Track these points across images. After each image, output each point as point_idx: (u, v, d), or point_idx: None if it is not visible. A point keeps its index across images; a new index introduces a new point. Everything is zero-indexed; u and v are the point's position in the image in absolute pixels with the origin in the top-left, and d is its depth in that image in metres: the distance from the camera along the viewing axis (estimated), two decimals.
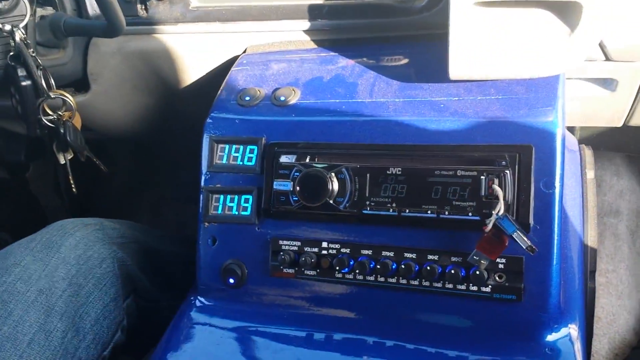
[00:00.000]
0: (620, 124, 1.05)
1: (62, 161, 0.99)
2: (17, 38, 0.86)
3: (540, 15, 0.72)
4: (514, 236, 0.69)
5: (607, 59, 0.89)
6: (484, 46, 0.73)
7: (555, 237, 0.72)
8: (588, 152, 1.02)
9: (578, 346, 0.73)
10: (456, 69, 0.75)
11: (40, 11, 0.93)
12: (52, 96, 0.92)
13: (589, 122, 1.06)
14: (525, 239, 0.69)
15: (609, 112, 1.03)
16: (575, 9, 0.69)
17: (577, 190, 0.93)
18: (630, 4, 0.80)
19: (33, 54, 0.89)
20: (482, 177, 0.72)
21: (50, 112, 0.95)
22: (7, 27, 0.86)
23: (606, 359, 1.31)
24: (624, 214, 1.55)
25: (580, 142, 1.09)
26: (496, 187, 0.71)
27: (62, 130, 0.95)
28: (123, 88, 1.06)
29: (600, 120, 1.05)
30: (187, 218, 0.94)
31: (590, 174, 0.98)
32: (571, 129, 1.30)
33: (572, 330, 0.74)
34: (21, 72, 0.89)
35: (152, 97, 1.10)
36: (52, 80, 0.92)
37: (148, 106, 1.12)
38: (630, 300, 1.40)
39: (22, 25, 0.87)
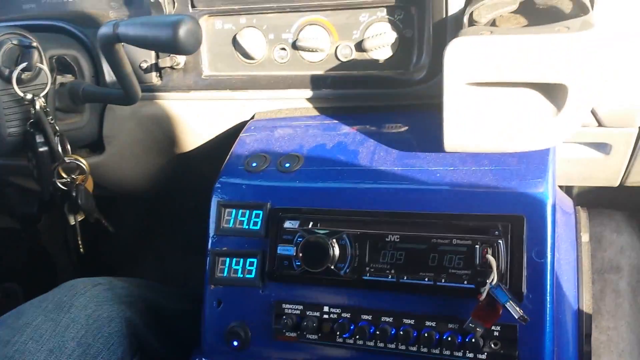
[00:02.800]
0: (616, 184, 1.08)
1: (72, 222, 1.02)
2: (37, 106, 0.91)
3: (529, 94, 0.76)
4: (506, 306, 0.71)
5: (600, 125, 0.92)
6: (476, 121, 0.77)
7: (548, 305, 0.74)
8: (583, 215, 1.05)
9: None
10: (450, 142, 0.79)
11: (60, 78, 0.98)
12: (67, 161, 0.96)
13: (586, 182, 1.09)
14: (518, 309, 0.71)
15: (605, 174, 1.05)
16: (561, 89, 0.74)
17: (572, 253, 0.95)
18: (614, 83, 0.84)
19: (52, 121, 0.93)
20: (476, 246, 0.75)
21: (64, 175, 0.98)
22: (29, 96, 0.90)
23: None
24: (625, 270, 1.55)
25: (578, 199, 1.11)
26: (490, 257, 0.74)
27: (74, 194, 0.98)
28: (136, 150, 1.11)
29: (597, 181, 1.08)
30: (191, 269, 0.97)
31: (585, 237, 1.00)
32: (569, 188, 1.33)
33: None
34: (39, 139, 0.93)
35: (163, 158, 1.14)
36: (68, 145, 0.96)
37: (159, 167, 1.17)
38: (632, 358, 1.39)
39: (42, 94, 0.92)
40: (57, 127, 0.94)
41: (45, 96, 0.92)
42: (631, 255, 1.59)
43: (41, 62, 0.91)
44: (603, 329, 1.44)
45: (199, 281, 0.89)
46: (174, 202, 1.61)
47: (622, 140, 0.95)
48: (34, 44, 0.89)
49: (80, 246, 1.03)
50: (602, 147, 0.99)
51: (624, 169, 1.03)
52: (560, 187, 1.14)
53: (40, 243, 1.61)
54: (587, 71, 0.73)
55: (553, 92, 0.76)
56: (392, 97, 0.96)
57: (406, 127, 0.94)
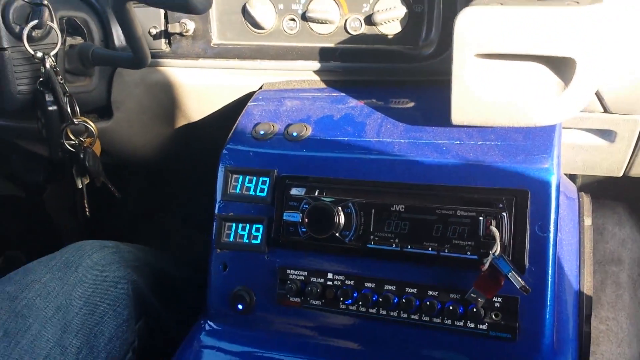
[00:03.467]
0: (620, 174, 1.08)
1: (80, 185, 1.03)
2: (48, 65, 0.91)
3: (537, 68, 0.76)
4: (508, 276, 0.72)
5: (606, 111, 0.93)
6: (484, 95, 0.77)
7: (549, 279, 0.75)
8: (587, 200, 1.05)
9: None
10: (458, 115, 0.79)
11: (70, 40, 0.98)
12: (76, 122, 0.97)
13: (589, 171, 1.09)
14: (520, 279, 0.72)
15: (609, 162, 1.05)
16: (569, 63, 0.74)
17: (575, 236, 0.96)
18: (623, 58, 0.84)
19: (61, 81, 0.94)
20: (480, 217, 0.76)
21: (72, 137, 0.99)
22: (39, 54, 0.90)
23: None
24: (626, 262, 1.56)
25: (581, 190, 1.12)
26: (493, 228, 0.74)
27: (82, 156, 0.99)
28: (144, 117, 1.12)
29: (600, 170, 1.08)
30: (197, 243, 0.98)
31: (587, 221, 1.01)
32: (572, 177, 1.34)
33: None
34: (49, 98, 0.93)
35: (171, 126, 1.15)
36: (77, 107, 0.97)
37: (166, 135, 1.17)
38: (631, 348, 1.40)
39: (52, 53, 0.92)
40: (66, 88, 0.94)
41: (55, 56, 0.93)
42: (632, 248, 1.59)
43: (52, 21, 0.91)
44: (603, 319, 1.45)
45: (203, 251, 0.90)
46: (181, 173, 1.61)
47: (627, 127, 0.96)
48: (45, 2, 0.89)
49: (87, 209, 1.03)
50: (607, 134, 0.99)
51: (628, 158, 1.03)
52: (564, 175, 1.14)
53: (45, 212, 1.62)
54: (596, 46, 0.73)
55: (561, 67, 0.76)
56: (400, 72, 0.96)
57: (413, 103, 0.95)
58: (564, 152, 1.03)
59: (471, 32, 0.74)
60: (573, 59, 0.73)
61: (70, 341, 0.81)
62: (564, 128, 0.96)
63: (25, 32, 0.87)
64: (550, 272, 0.75)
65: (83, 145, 1.00)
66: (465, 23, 0.74)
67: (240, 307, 0.85)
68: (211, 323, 0.88)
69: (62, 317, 0.83)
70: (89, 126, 1.00)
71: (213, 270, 0.88)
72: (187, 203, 1.67)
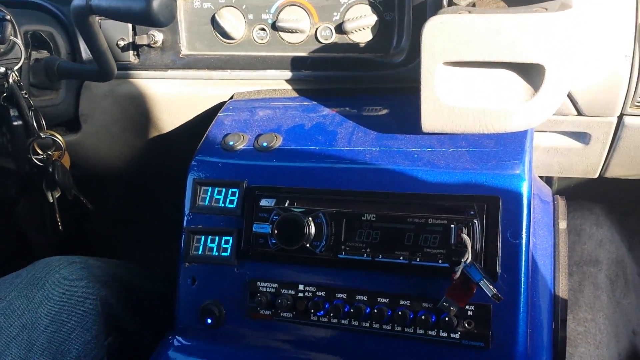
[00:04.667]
0: (595, 176, 1.08)
1: (50, 199, 1.01)
2: (11, 80, 0.90)
3: (506, 75, 0.76)
4: (480, 284, 0.71)
5: (579, 113, 0.93)
6: (454, 102, 0.77)
7: (522, 286, 0.74)
8: (562, 203, 1.05)
9: None
10: (428, 122, 0.79)
11: (35, 54, 0.97)
12: (43, 136, 0.95)
13: (565, 173, 1.10)
14: (491, 287, 0.71)
15: (584, 164, 1.06)
16: (538, 69, 0.74)
17: (550, 240, 0.95)
18: (593, 63, 0.84)
19: (25, 96, 0.92)
20: (452, 225, 0.75)
21: (40, 152, 0.97)
22: (1, 70, 0.89)
23: None
24: (604, 263, 1.57)
25: (558, 192, 1.12)
26: (465, 236, 0.74)
27: (50, 170, 0.97)
28: (113, 129, 1.10)
29: (576, 172, 1.08)
30: (171, 253, 0.96)
31: (562, 224, 1.01)
32: (548, 180, 1.34)
33: None
34: (13, 113, 0.92)
35: (141, 138, 1.13)
36: (43, 121, 0.95)
37: (136, 146, 1.16)
38: (609, 350, 1.41)
39: (16, 68, 0.90)
40: (31, 102, 0.93)
41: (19, 70, 0.91)
42: (610, 248, 1.60)
43: (15, 36, 0.89)
44: (581, 321, 1.45)
45: (177, 264, 0.88)
46: (153, 185, 1.59)
47: (602, 129, 0.96)
48: (8, 17, 0.87)
49: (59, 224, 1.01)
50: (582, 137, 1.00)
51: (603, 160, 1.04)
52: (540, 177, 1.14)
53: (18, 226, 1.59)
54: (565, 51, 0.73)
55: (530, 73, 0.76)
56: (371, 79, 0.96)
57: (385, 110, 0.94)
58: (539, 155, 1.03)
59: (438, 40, 0.74)
60: (542, 65, 0.73)
61: None
62: (538, 131, 0.96)
63: None
64: (522, 279, 0.74)
65: (51, 159, 0.99)
66: (432, 31, 0.74)
67: (209, 321, 0.84)
68: (179, 338, 0.87)
69: (27, 335, 0.81)
70: (57, 139, 0.98)
71: (181, 284, 0.87)
72: (161, 214, 1.65)
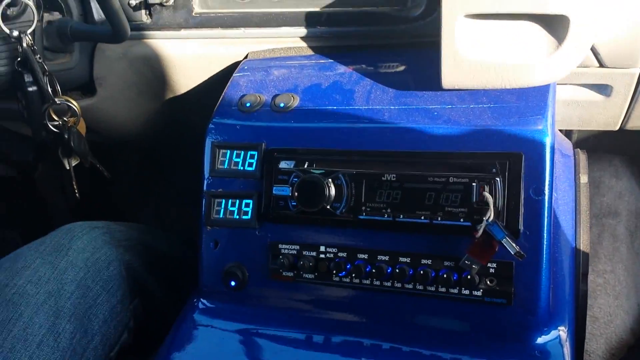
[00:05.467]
0: (616, 128, 1.06)
1: (67, 167, 1.01)
2: (24, 44, 0.88)
3: (529, 27, 0.74)
4: (503, 242, 0.71)
5: (601, 65, 0.91)
6: (475, 56, 0.75)
7: (545, 243, 0.74)
8: (582, 157, 1.04)
9: (567, 348, 0.75)
10: (448, 79, 0.77)
11: (47, 17, 0.95)
12: (58, 102, 0.94)
13: (586, 125, 1.08)
14: (514, 245, 0.71)
15: (605, 117, 1.04)
16: (562, 21, 0.71)
17: (570, 194, 0.95)
18: (617, 14, 0.81)
19: (40, 60, 0.91)
20: (473, 184, 0.75)
21: (55, 118, 0.96)
22: (15, 33, 0.87)
23: (603, 358, 1.33)
24: (623, 215, 1.56)
25: (577, 145, 1.10)
26: (486, 194, 0.73)
27: (66, 137, 0.97)
28: (128, 92, 1.09)
29: (597, 124, 1.07)
30: (190, 221, 0.97)
31: (583, 178, 1.00)
32: (568, 133, 1.32)
33: (562, 332, 0.76)
34: (28, 78, 0.91)
35: (156, 101, 1.12)
36: (58, 86, 0.94)
37: (152, 111, 1.15)
38: (628, 300, 1.41)
39: (29, 31, 0.88)
40: (45, 67, 0.92)
41: (33, 34, 0.89)
42: (630, 200, 1.59)
43: None
44: (600, 272, 1.45)
45: (197, 229, 0.89)
46: (170, 149, 1.59)
47: (624, 81, 0.93)
48: None
49: (76, 191, 1.02)
50: (603, 89, 0.97)
51: (625, 111, 1.02)
52: (560, 131, 1.12)
53: (37, 191, 1.61)
54: (589, 2, 0.70)
55: (554, 25, 0.73)
56: (388, 34, 0.93)
57: (403, 67, 0.92)
58: (559, 108, 1.01)
59: None
60: (566, 16, 0.71)
61: (64, 326, 0.81)
62: (558, 84, 0.94)
63: None
64: (545, 236, 0.74)
65: (67, 125, 0.98)
66: None
67: (232, 283, 0.85)
68: (204, 301, 0.88)
69: (54, 302, 0.82)
70: (72, 105, 0.97)
71: (204, 247, 0.87)
72: (179, 179, 1.66)
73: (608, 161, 1.63)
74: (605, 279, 1.45)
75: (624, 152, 1.63)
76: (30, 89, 0.92)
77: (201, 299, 0.88)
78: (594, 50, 0.88)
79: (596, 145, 1.53)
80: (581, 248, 0.92)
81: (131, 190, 1.71)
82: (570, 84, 0.98)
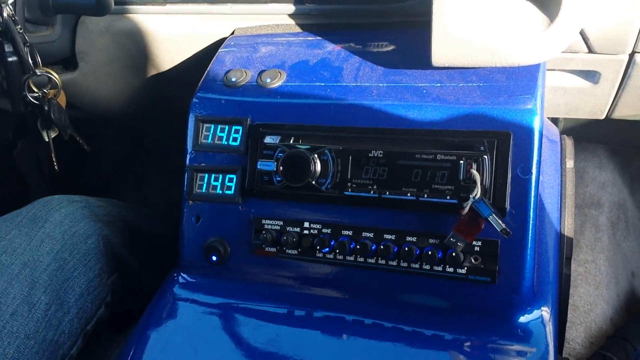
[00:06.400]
0: (602, 117, 1.07)
1: (46, 139, 0.99)
2: (5, 14, 0.86)
3: (521, 5, 0.73)
4: (489, 219, 0.71)
5: (590, 51, 0.91)
6: (466, 34, 0.74)
7: (530, 222, 0.73)
8: (569, 142, 1.04)
9: (549, 328, 0.75)
10: (438, 56, 0.76)
11: None
12: (38, 73, 0.92)
13: (573, 113, 1.08)
14: (500, 222, 0.71)
15: (592, 104, 1.04)
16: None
17: (556, 179, 0.95)
18: (607, 3, 0.81)
19: (20, 31, 0.89)
20: (461, 161, 0.74)
21: (35, 90, 0.95)
22: None
23: (582, 346, 1.34)
24: (605, 206, 1.57)
25: (563, 133, 1.10)
26: (474, 171, 0.72)
27: (46, 108, 0.95)
28: (111, 67, 1.07)
29: (583, 112, 1.07)
30: (171, 198, 0.95)
31: (569, 164, 1.00)
32: (555, 120, 1.32)
33: (545, 313, 0.76)
34: (8, 48, 0.89)
35: (140, 77, 1.10)
36: (39, 58, 0.92)
37: (135, 86, 1.13)
38: (608, 290, 1.42)
39: (10, 1, 0.87)
40: (26, 38, 0.89)
41: (14, 4, 0.88)
42: (612, 191, 1.60)
43: None
44: (581, 262, 1.46)
45: (179, 206, 0.87)
46: (153, 126, 1.57)
47: (612, 68, 0.94)
48: None
49: (55, 164, 1.00)
50: (591, 76, 0.97)
51: (612, 99, 1.02)
52: (547, 118, 1.12)
53: (16, 170, 1.57)
54: None
55: (545, 3, 0.73)
56: (378, 13, 0.92)
57: (393, 45, 0.91)
58: (547, 95, 1.01)
59: None
60: None
61: (39, 297, 0.79)
62: (548, 70, 0.94)
63: None
64: (531, 214, 0.73)
65: (47, 97, 0.96)
66: None
67: (214, 258, 0.84)
68: (184, 275, 0.86)
69: (29, 273, 0.80)
70: (53, 77, 0.95)
71: (185, 222, 0.86)
72: (161, 156, 1.64)
73: (592, 152, 1.64)
74: (586, 268, 1.46)
75: (608, 144, 1.64)
76: (10, 59, 0.90)
77: (181, 274, 0.87)
78: (583, 35, 0.87)
79: (581, 136, 1.54)
80: (565, 232, 0.93)
81: (112, 167, 1.68)
82: (559, 70, 0.98)
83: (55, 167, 0.99)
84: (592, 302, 1.40)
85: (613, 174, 1.62)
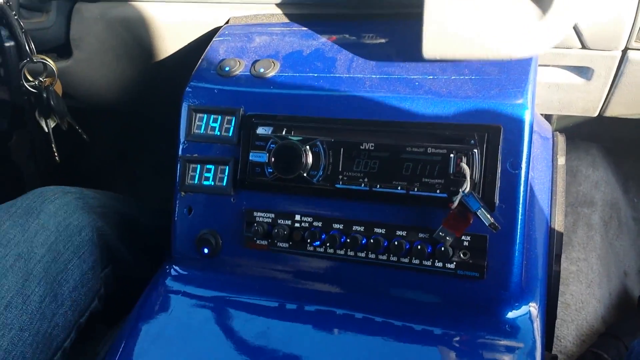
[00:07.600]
0: (595, 114, 1.07)
1: (46, 129, 0.98)
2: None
3: None
4: (478, 213, 0.71)
5: (584, 47, 0.91)
6: (457, 26, 0.74)
7: (520, 217, 0.74)
8: (561, 139, 1.04)
9: (537, 324, 0.76)
10: (429, 49, 0.76)
11: None
12: (35, 60, 0.91)
13: (565, 110, 1.08)
14: (489, 216, 0.71)
15: (585, 101, 1.04)
16: None
17: (548, 176, 0.95)
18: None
19: (16, 16, 0.88)
20: (451, 155, 0.74)
21: (30, 79, 0.94)
22: None
23: (573, 344, 1.34)
24: (598, 204, 1.58)
25: (556, 131, 1.11)
26: (464, 165, 0.73)
27: (45, 96, 0.94)
28: (105, 56, 1.07)
29: (576, 109, 1.07)
30: (165, 190, 0.95)
31: (561, 160, 1.00)
32: (548, 118, 1.32)
33: (532, 309, 0.76)
34: (4, 33, 0.88)
35: (135, 66, 1.10)
36: (33, 45, 0.91)
37: (130, 75, 1.13)
38: (600, 289, 1.43)
39: None
40: (22, 24, 0.89)
41: None
42: (605, 190, 1.60)
43: None
44: (573, 260, 1.47)
45: (172, 200, 0.87)
46: (147, 117, 1.57)
47: (605, 64, 0.93)
48: None
49: (56, 154, 0.99)
50: (584, 72, 0.97)
51: (604, 96, 1.02)
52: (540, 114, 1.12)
53: (11, 162, 1.57)
54: None
55: None
56: (372, 4, 0.92)
57: (386, 37, 0.91)
58: (540, 91, 1.01)
59: None
60: None
61: (33, 289, 0.79)
62: (540, 66, 0.94)
63: None
64: (520, 210, 0.74)
65: (44, 85, 0.95)
66: None
67: (205, 250, 0.84)
68: (176, 267, 0.86)
69: (23, 265, 0.80)
70: (48, 64, 0.94)
71: (177, 213, 0.86)
72: (156, 147, 1.63)
73: (585, 150, 1.65)
74: (578, 266, 1.46)
75: (601, 141, 1.64)
76: (7, 44, 0.89)
77: (173, 266, 0.87)
78: (576, 30, 0.87)
79: (574, 134, 1.54)
80: (556, 229, 0.93)
81: (106, 158, 1.68)
82: (552, 66, 0.98)
83: (57, 158, 0.99)
84: (583, 300, 1.41)
85: (606, 173, 1.62)
